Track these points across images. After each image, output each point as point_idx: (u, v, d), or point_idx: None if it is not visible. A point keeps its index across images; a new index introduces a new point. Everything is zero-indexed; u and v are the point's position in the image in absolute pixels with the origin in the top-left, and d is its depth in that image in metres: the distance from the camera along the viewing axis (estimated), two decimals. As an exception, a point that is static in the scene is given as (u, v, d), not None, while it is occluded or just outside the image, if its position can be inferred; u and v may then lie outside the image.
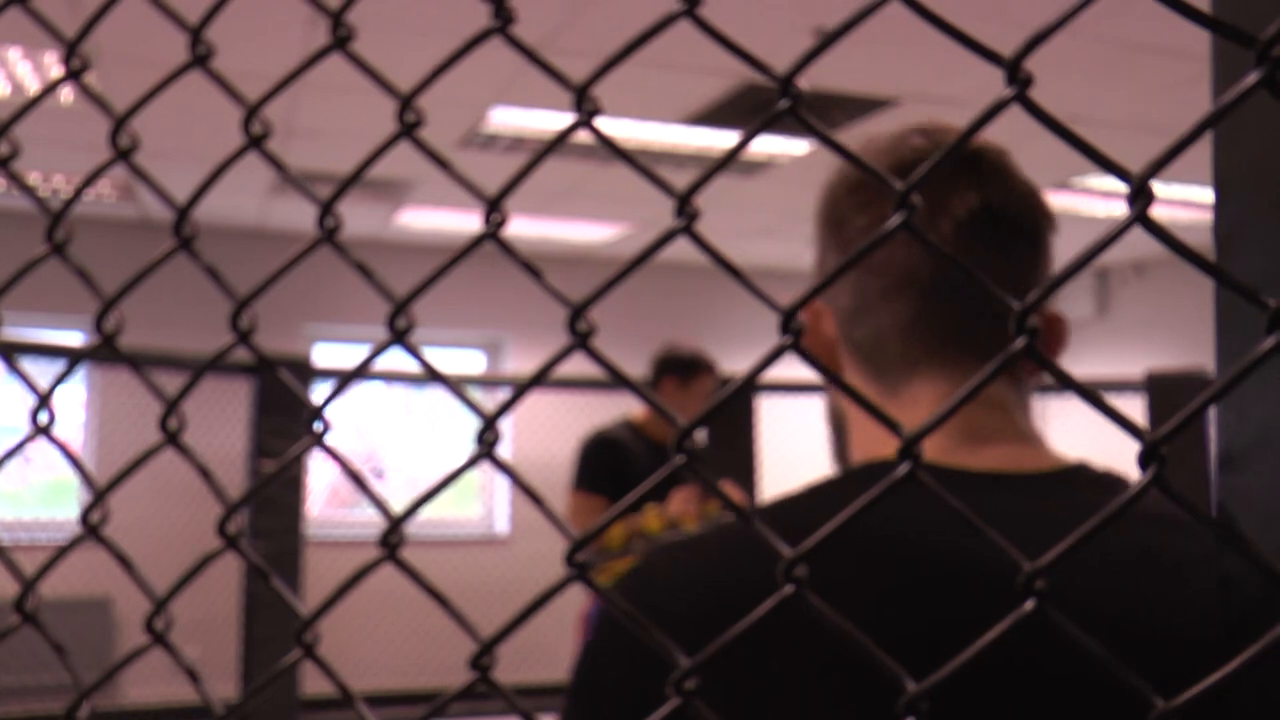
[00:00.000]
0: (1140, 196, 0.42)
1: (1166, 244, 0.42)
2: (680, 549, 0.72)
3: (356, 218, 6.67)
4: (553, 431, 6.93)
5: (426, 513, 7.59)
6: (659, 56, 3.82)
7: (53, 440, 0.62)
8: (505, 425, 8.15)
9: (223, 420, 6.43)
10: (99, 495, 0.58)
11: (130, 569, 0.58)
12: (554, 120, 4.70)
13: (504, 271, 7.27)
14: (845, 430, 0.88)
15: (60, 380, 0.61)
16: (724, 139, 4.92)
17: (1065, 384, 0.44)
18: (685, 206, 0.47)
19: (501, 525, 7.65)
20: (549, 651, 5.58)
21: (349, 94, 4.27)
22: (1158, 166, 0.42)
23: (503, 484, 7.65)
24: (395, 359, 7.52)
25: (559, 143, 0.50)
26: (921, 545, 0.66)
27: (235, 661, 6.37)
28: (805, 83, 0.45)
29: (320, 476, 7.22)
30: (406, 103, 0.53)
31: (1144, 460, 0.41)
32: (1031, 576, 0.42)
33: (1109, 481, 0.75)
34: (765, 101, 4.38)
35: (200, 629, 6.39)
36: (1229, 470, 0.48)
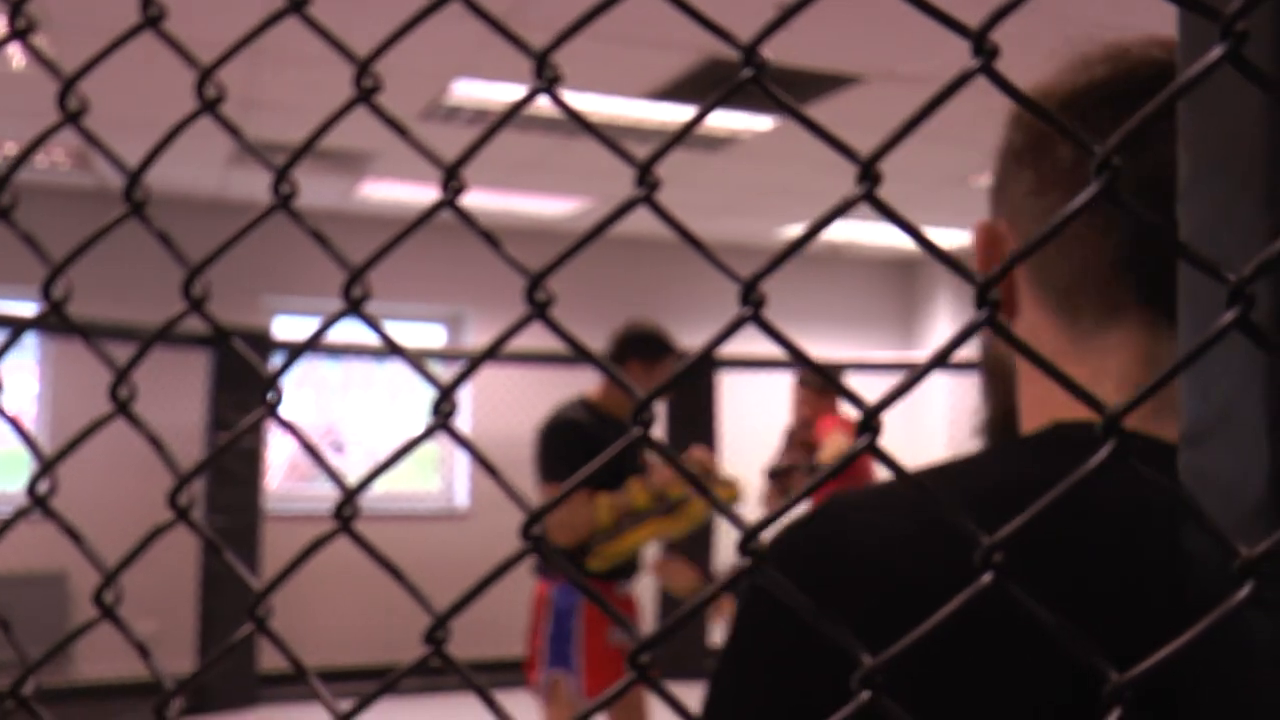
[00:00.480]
0: (1103, 169, 0.42)
1: (1136, 216, 0.42)
2: (871, 512, 0.62)
3: (317, 189, 6.61)
4: (514, 406, 6.91)
5: (385, 486, 7.56)
6: (622, 31, 3.81)
7: (-1, 410, 0.60)
8: (464, 399, 8.14)
9: (181, 394, 6.37)
10: (45, 466, 0.57)
11: (79, 542, 0.57)
12: (517, 93, 4.67)
13: (465, 245, 7.21)
14: (1007, 376, 0.77)
15: (3, 350, 0.59)
16: (687, 114, 4.90)
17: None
18: (646, 176, 0.46)
19: (461, 499, 7.64)
20: (505, 627, 5.58)
21: (310, 65, 4.22)
22: (1125, 140, 0.42)
23: (463, 458, 7.63)
24: (356, 332, 7.48)
25: (520, 109, 0.49)
26: (1127, 529, 0.58)
27: (193, 636, 6.33)
28: (770, 59, 0.44)
29: (280, 450, 7.17)
30: (364, 67, 0.52)
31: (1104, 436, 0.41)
32: (989, 550, 0.41)
33: None
34: (729, 77, 4.36)
35: (157, 603, 6.34)
36: (1191, 448, 0.48)
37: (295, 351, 0.52)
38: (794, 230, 7.51)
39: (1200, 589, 0.48)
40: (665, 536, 3.77)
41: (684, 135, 0.47)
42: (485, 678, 0.49)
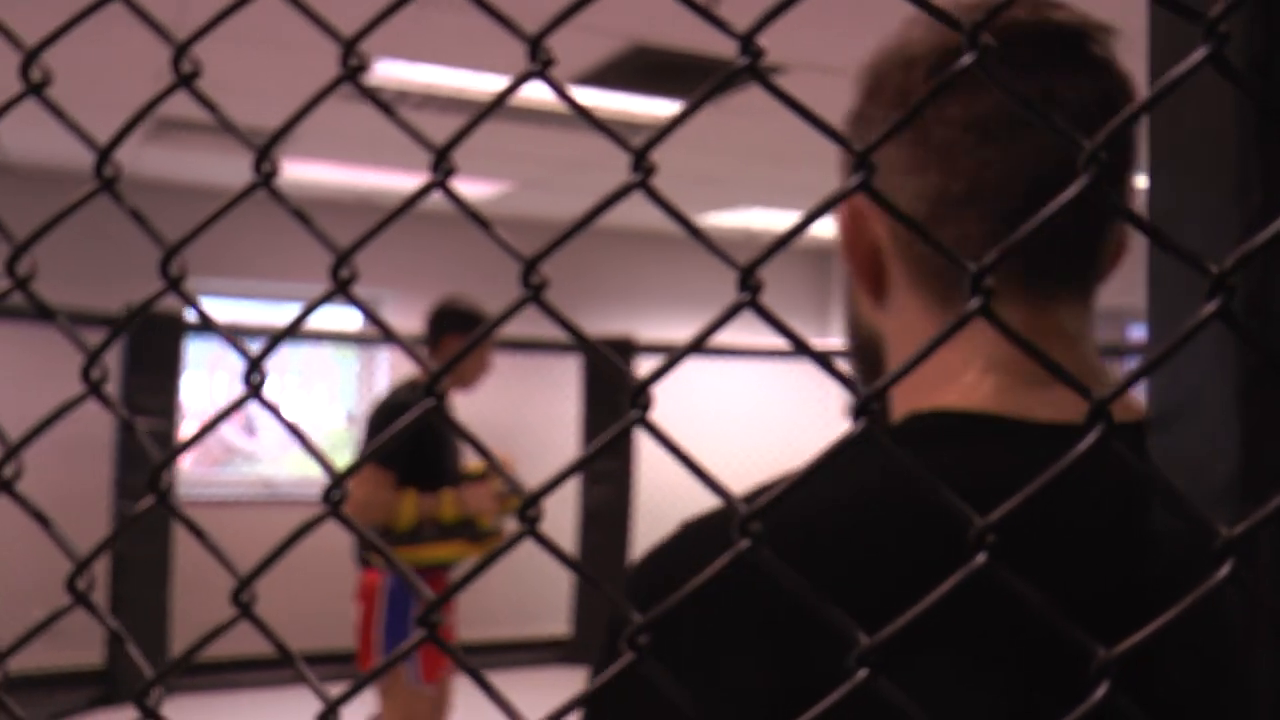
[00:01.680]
0: (1092, 162, 0.43)
1: (1123, 213, 0.43)
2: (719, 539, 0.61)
3: (229, 169, 6.48)
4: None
5: (302, 471, 7.46)
6: (548, 15, 3.79)
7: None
8: (382, 382, 8.01)
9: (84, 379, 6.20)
10: (11, 451, 0.55)
11: (47, 526, 0.56)
12: (439, 74, 4.63)
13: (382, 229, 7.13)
14: (878, 358, 0.76)
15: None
16: (612, 100, 4.90)
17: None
18: (642, 162, 0.46)
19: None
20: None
21: (233, 41, 4.13)
22: (1110, 138, 0.43)
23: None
24: (273, 315, 7.34)
25: (509, 94, 0.49)
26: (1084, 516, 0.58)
27: (99, 627, 6.17)
28: (696, 48, 0.45)
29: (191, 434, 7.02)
30: (350, 47, 0.51)
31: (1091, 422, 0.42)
32: (982, 532, 0.43)
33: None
34: (654, 63, 4.37)
35: (60, 594, 6.18)
36: (1160, 431, 0.50)
37: (277, 337, 0.51)
38: (717, 218, 7.55)
39: (1167, 568, 0.50)
40: (461, 561, 3.63)
41: (672, 129, 0.47)
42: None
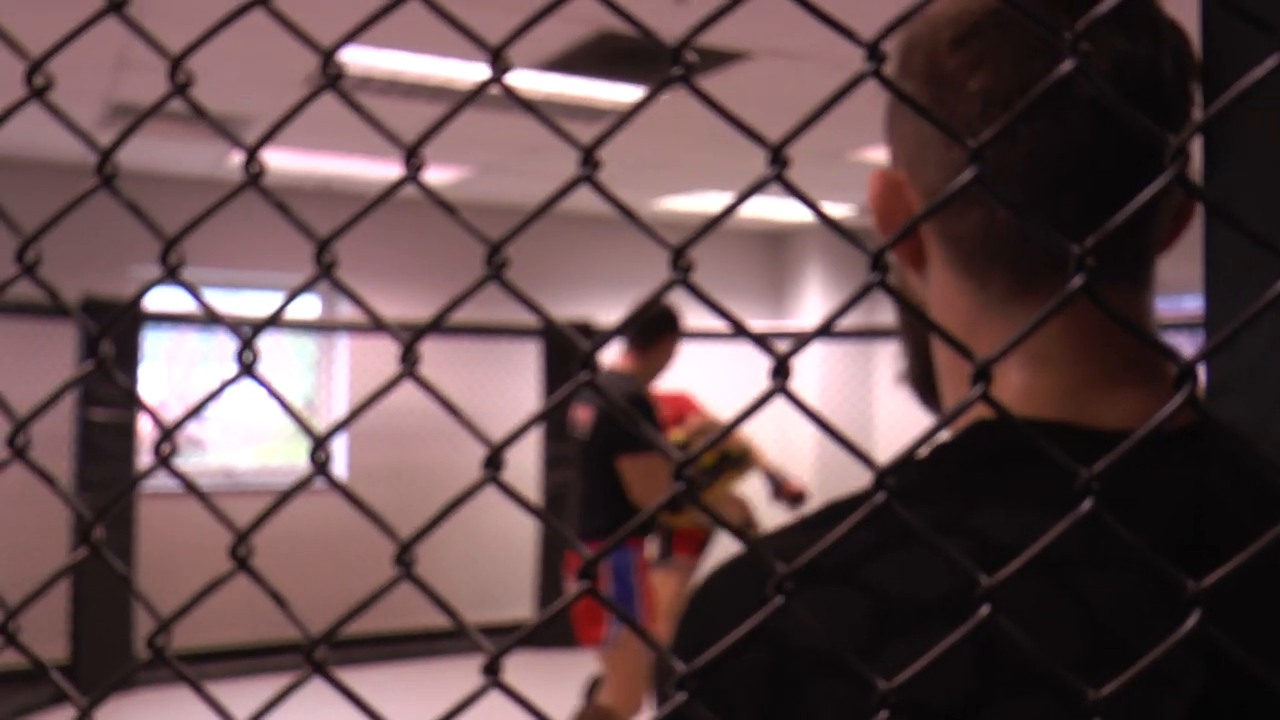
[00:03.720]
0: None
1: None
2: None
3: (187, 155, 6.46)
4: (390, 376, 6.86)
5: (260, 460, 7.47)
6: (513, 1, 3.83)
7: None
8: (341, 370, 7.96)
9: (49, 367, 6.19)
10: None
11: None
12: (402, 60, 4.66)
13: (339, 216, 7.14)
14: (925, 334, 0.73)
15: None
16: (577, 86, 4.94)
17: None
18: (589, 158, 0.53)
19: (339, 472, 7.58)
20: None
21: (199, 26, 4.14)
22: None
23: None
24: (219, 303, 7.30)
25: (476, 95, 0.56)
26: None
27: (64, 621, 6.16)
28: (661, 33, 0.50)
29: (150, 424, 7.02)
30: (328, 57, 0.57)
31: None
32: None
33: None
34: (621, 49, 4.42)
35: (22, 588, 6.16)
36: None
37: (271, 318, 0.57)
38: (670, 203, 7.61)
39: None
40: (733, 488, 4.30)
41: (621, 125, 0.53)
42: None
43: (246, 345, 0.56)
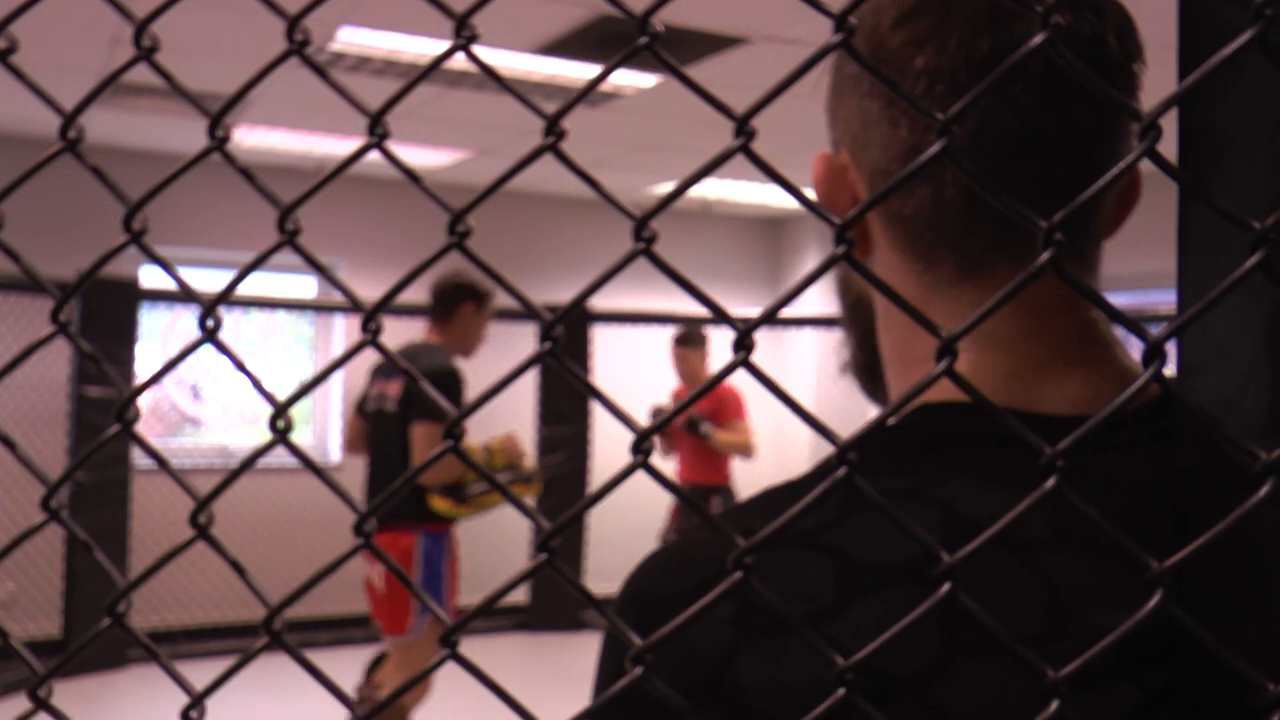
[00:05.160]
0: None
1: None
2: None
3: (180, 133, 6.44)
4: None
5: (256, 439, 7.46)
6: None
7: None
8: (337, 350, 8.02)
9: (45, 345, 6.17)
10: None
11: None
12: (399, 40, 4.64)
13: (338, 197, 7.14)
14: (869, 316, 0.73)
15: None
16: (575, 69, 4.93)
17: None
18: (554, 127, 0.52)
19: (334, 453, 7.58)
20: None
21: (185, 4, 4.13)
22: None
23: (336, 410, 7.57)
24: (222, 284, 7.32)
25: (439, 64, 0.55)
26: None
27: (57, 598, 6.18)
28: (658, 19, 0.50)
29: (144, 401, 7.01)
30: (294, 23, 0.57)
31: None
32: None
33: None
34: (618, 33, 4.41)
35: (15, 566, 6.18)
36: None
37: (233, 282, 0.57)
38: (663, 188, 7.60)
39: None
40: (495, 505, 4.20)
41: (583, 96, 0.53)
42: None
43: (209, 311, 0.56)
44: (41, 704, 0.57)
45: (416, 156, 6.80)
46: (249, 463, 0.54)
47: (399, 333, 6.90)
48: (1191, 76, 0.48)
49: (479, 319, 4.19)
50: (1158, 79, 0.62)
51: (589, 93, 0.52)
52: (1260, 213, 0.47)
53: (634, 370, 7.51)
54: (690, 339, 5.91)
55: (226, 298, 0.55)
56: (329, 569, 0.55)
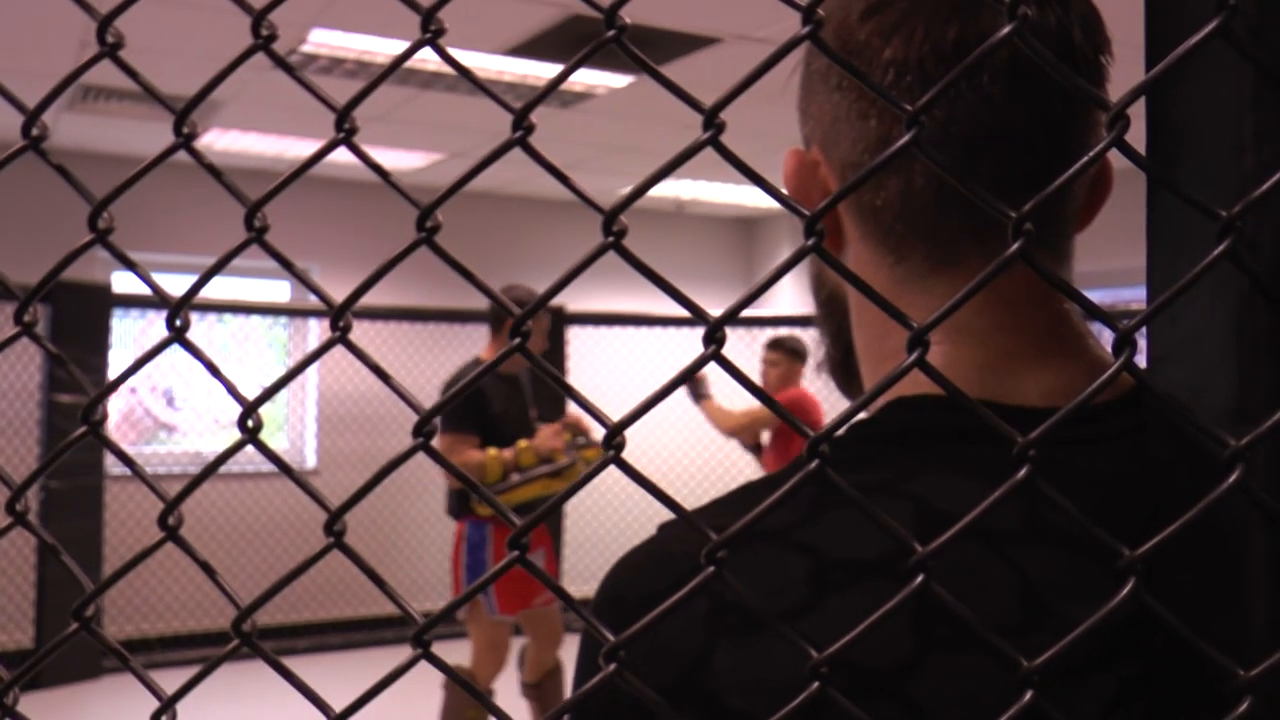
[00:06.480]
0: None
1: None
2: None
3: (151, 137, 6.40)
4: (359, 364, 6.83)
5: (228, 444, 7.39)
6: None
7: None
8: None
9: (15, 352, 6.12)
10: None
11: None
12: (372, 43, 4.62)
13: (311, 201, 7.11)
14: (843, 313, 0.73)
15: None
16: (546, 70, 4.92)
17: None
18: (523, 121, 0.52)
19: (309, 458, 7.55)
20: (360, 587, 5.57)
21: (154, 4, 4.10)
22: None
23: (311, 415, 7.54)
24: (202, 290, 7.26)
25: (403, 61, 0.55)
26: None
27: (29, 608, 6.12)
28: (628, 19, 0.50)
29: (114, 409, 6.97)
30: (259, 19, 0.56)
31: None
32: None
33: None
34: (589, 33, 4.41)
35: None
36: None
37: (200, 280, 0.56)
38: (643, 187, 7.58)
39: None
40: (549, 494, 4.42)
41: (550, 91, 0.53)
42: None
43: (176, 311, 0.55)
44: (8, 711, 0.56)
45: (389, 159, 6.78)
46: (219, 463, 0.54)
47: (371, 336, 6.88)
48: (1159, 66, 0.48)
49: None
50: (1126, 77, 0.62)
51: (557, 85, 0.52)
52: (1226, 202, 0.48)
53: (610, 372, 7.51)
54: (793, 349, 5.55)
55: (194, 297, 0.55)
56: (299, 570, 0.54)
